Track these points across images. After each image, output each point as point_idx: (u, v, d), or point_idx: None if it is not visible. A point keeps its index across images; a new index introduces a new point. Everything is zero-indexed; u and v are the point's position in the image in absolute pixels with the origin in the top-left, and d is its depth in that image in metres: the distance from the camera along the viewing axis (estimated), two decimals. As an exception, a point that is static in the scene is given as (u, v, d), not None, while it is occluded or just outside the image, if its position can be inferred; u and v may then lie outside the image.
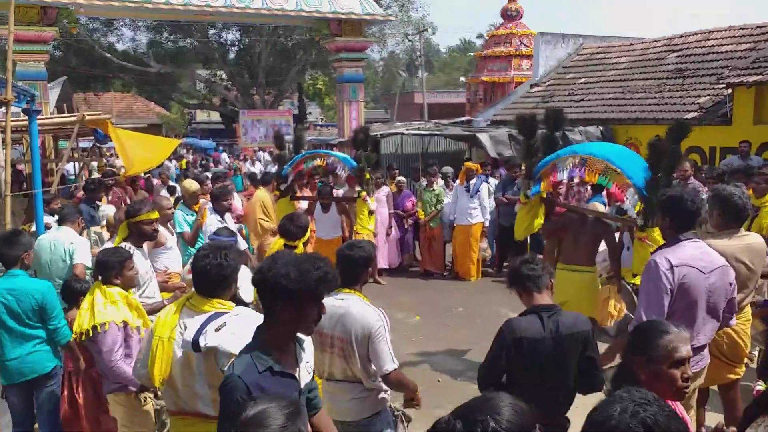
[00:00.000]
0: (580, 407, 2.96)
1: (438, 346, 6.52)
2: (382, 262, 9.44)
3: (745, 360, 4.03)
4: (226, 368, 2.57)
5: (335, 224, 8.12)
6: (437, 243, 9.62)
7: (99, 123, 8.97)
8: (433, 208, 9.44)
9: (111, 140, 9.81)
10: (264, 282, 2.18)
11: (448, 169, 10.26)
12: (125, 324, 3.52)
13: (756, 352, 4.86)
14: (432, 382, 5.54)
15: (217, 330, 2.66)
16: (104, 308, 3.47)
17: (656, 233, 4.37)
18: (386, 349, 3.03)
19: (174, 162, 18.98)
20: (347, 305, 3.10)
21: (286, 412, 1.68)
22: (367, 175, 7.22)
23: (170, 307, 2.92)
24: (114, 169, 11.95)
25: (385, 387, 3.17)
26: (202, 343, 2.63)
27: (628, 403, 1.52)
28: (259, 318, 2.91)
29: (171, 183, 11.82)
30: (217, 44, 33.04)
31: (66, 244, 5.20)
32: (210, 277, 2.79)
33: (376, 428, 3.17)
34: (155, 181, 11.63)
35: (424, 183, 9.76)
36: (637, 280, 4.63)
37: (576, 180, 6.07)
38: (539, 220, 5.68)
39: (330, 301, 3.14)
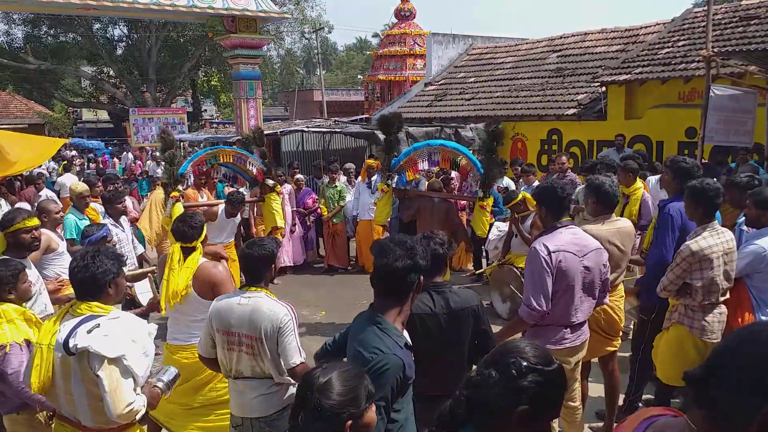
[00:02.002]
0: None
1: (344, 340, 6.63)
2: (287, 260, 9.45)
3: (621, 333, 4.45)
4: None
5: (234, 229, 7.56)
6: (341, 238, 9.75)
7: (-28, 124, 8.31)
8: (335, 205, 9.55)
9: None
10: (390, 268, 2.33)
11: (351, 166, 10.40)
12: (28, 342, 3.22)
13: (632, 326, 5.34)
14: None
15: (89, 332, 2.58)
16: (0, 329, 3.18)
17: (489, 201, 6.29)
18: (294, 343, 3.08)
19: (51, 164, 17.76)
20: (255, 302, 3.12)
21: None
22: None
23: (54, 315, 2.83)
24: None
25: (293, 381, 3.20)
26: (71, 344, 2.55)
27: None
28: (139, 323, 2.88)
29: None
30: (103, 39, 31.27)
31: None
32: (78, 280, 2.74)
33: (284, 422, 3.18)
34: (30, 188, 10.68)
35: (327, 180, 9.85)
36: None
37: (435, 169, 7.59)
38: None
39: (237, 300, 3.17)
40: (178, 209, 6.23)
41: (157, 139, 6.42)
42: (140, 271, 5.12)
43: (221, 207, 7.17)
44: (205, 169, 7.38)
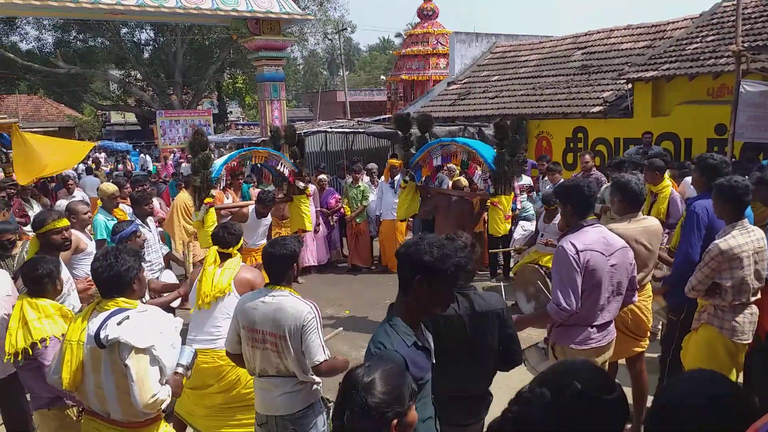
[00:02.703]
0: (501, 381, 3.19)
1: (367, 339, 6.61)
2: (311, 259, 9.51)
3: (648, 333, 4.38)
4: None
5: (266, 231, 7.53)
6: (364, 238, 9.77)
7: (4, 127, 8.54)
8: (359, 204, 9.58)
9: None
10: (406, 255, 2.28)
11: (373, 166, 10.42)
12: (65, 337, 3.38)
13: (660, 327, 5.26)
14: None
15: (119, 323, 2.65)
16: (40, 323, 3.28)
17: (504, 199, 6.11)
18: (318, 340, 3.10)
19: (80, 166, 18.04)
20: (279, 301, 3.14)
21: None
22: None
23: (83, 312, 2.89)
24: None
25: (317, 379, 3.23)
26: (102, 335, 2.62)
27: None
28: (166, 317, 2.94)
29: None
30: (130, 43, 31.82)
31: None
32: (103, 279, 2.80)
33: (309, 420, 3.22)
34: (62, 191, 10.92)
35: (350, 180, 9.88)
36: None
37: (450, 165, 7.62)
38: (416, 204, 6.86)
39: (261, 298, 3.20)
40: (213, 215, 6.22)
41: (187, 140, 6.15)
42: (171, 296, 5.11)
43: (251, 208, 7.11)
44: (237, 172, 7.25)
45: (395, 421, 1.67)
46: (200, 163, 6.27)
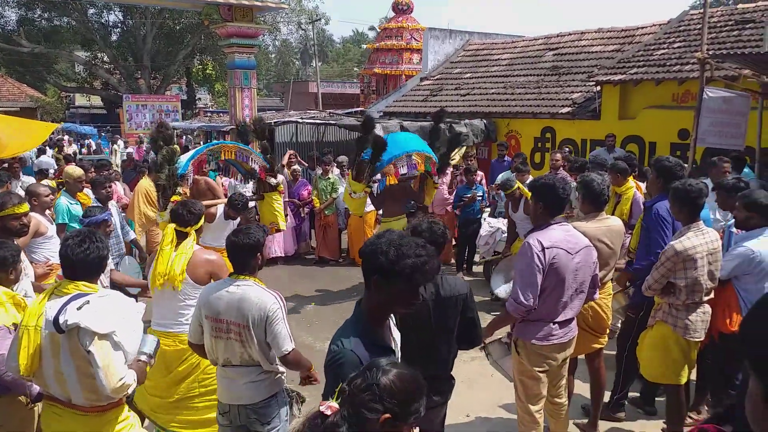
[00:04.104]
0: (462, 374, 3.25)
1: (333, 331, 6.60)
2: (278, 250, 9.45)
3: (608, 331, 4.49)
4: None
5: (228, 231, 7.16)
6: (332, 230, 9.75)
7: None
8: (328, 197, 9.55)
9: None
10: (364, 254, 2.22)
11: (344, 158, 10.40)
12: (16, 327, 3.15)
13: (619, 325, 5.38)
14: (327, 365, 5.68)
15: (79, 308, 2.61)
16: None
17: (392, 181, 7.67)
18: (284, 330, 3.10)
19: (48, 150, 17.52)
20: (243, 291, 3.13)
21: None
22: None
23: (39, 296, 2.84)
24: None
25: (281, 369, 3.24)
26: (62, 320, 2.57)
27: None
28: (128, 302, 2.90)
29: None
30: (98, 24, 31.03)
31: None
32: (76, 261, 2.76)
33: (272, 410, 3.22)
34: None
35: (320, 171, 9.84)
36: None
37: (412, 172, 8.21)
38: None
39: (226, 288, 3.18)
40: None
41: (151, 134, 5.82)
42: (136, 281, 5.05)
43: (220, 207, 6.64)
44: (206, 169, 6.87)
45: (388, 416, 1.63)
46: (165, 159, 5.87)
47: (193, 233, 4.02)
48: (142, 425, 3.64)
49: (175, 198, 5.85)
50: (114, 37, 32.65)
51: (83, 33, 30.19)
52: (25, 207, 4.23)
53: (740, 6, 11.25)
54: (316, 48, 36.63)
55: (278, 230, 7.37)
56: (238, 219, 6.51)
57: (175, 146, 6.24)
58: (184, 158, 6.35)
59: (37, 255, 4.93)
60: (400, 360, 2.36)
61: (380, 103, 18.01)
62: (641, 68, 10.73)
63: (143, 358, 2.90)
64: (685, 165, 5.25)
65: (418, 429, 1.80)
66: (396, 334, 2.47)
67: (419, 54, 21.57)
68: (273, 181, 6.96)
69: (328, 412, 1.65)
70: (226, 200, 6.64)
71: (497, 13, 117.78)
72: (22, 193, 6.60)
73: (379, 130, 11.88)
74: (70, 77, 35.21)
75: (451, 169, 9.60)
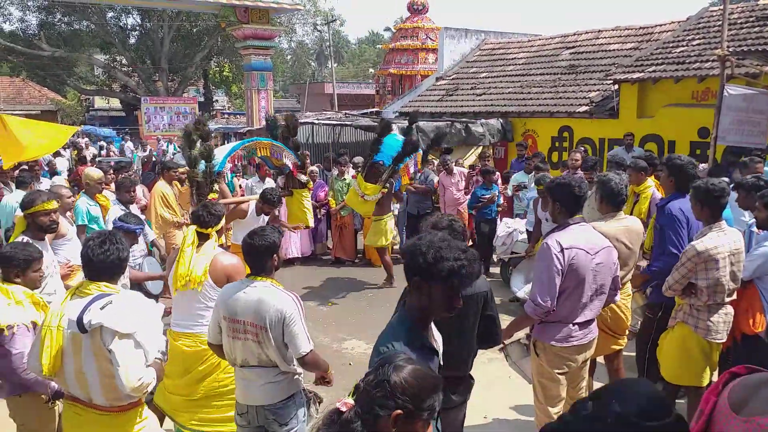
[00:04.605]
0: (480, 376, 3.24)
1: (350, 331, 6.68)
2: (295, 251, 9.48)
3: (627, 332, 4.44)
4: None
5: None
6: (348, 231, 9.76)
7: (-15, 109, 8.36)
8: (344, 197, 9.56)
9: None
10: (404, 254, 2.24)
11: (359, 159, 10.40)
12: (35, 325, 3.27)
13: (638, 325, 5.33)
14: (344, 366, 5.70)
15: (102, 308, 2.64)
16: (8, 309, 3.23)
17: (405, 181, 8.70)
18: (302, 331, 3.10)
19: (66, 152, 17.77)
20: (260, 292, 3.13)
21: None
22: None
23: (61, 297, 2.88)
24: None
25: (299, 370, 3.24)
26: (86, 320, 2.60)
27: None
28: (148, 302, 2.93)
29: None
30: (117, 28, 31.40)
31: None
32: (94, 261, 2.79)
33: (289, 411, 3.22)
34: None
35: (336, 172, 9.85)
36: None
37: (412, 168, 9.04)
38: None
39: (243, 289, 3.19)
40: None
41: (186, 128, 5.86)
42: (157, 274, 5.13)
43: (252, 203, 6.65)
44: (243, 164, 6.99)
45: (399, 412, 1.63)
46: (202, 155, 5.88)
47: (215, 234, 4.05)
48: (161, 425, 3.68)
49: (212, 195, 5.85)
50: (132, 40, 33.04)
51: (102, 36, 30.58)
52: (54, 204, 4.31)
53: (761, 2, 11.07)
54: (331, 49, 36.71)
55: (306, 227, 7.37)
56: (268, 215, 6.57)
57: (211, 144, 6.27)
58: (219, 155, 6.37)
59: (58, 256, 4.97)
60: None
61: (396, 104, 18.00)
62: (660, 66, 10.61)
63: (159, 356, 2.93)
64: (698, 163, 5.17)
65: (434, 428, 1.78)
66: (438, 336, 2.46)
67: (435, 54, 21.51)
68: (303, 177, 6.97)
69: (344, 409, 1.65)
70: (256, 197, 6.74)
71: (512, 12, 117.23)
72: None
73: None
74: (89, 80, 35.70)
75: (467, 170, 9.57)
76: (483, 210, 8.68)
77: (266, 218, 6.60)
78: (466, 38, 17.30)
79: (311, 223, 7.41)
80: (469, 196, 9.02)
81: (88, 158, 15.04)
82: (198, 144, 5.97)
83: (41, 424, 3.40)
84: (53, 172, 10.24)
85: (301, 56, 51.14)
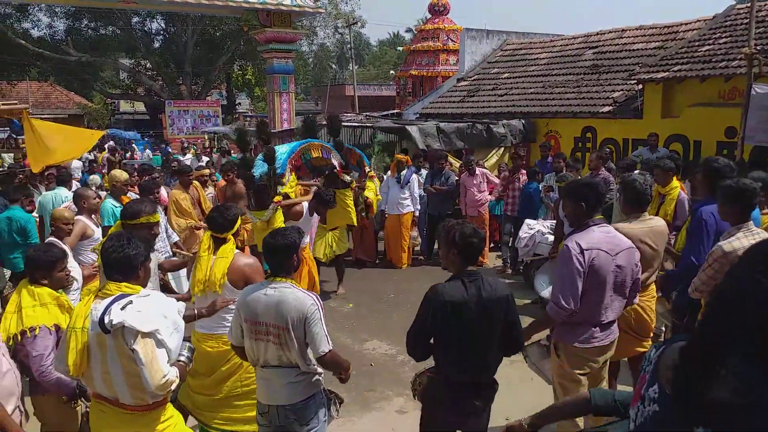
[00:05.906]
0: (501, 378, 3.21)
1: (370, 332, 6.68)
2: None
3: (651, 334, 4.37)
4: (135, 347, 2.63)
5: (314, 226, 7.19)
6: (369, 232, 9.77)
7: (14, 113, 8.58)
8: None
9: (29, 131, 9.36)
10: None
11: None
12: (57, 327, 3.31)
13: (664, 329, 5.25)
14: (365, 366, 5.70)
15: (122, 308, 2.67)
16: (32, 311, 3.28)
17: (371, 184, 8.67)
18: (322, 331, 3.11)
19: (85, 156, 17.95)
20: (281, 293, 3.14)
21: None
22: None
23: (85, 299, 2.91)
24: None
25: (319, 370, 3.25)
26: (107, 320, 2.63)
27: None
28: (169, 302, 2.96)
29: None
30: (141, 33, 31.91)
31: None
32: (113, 260, 2.83)
33: (310, 411, 3.23)
34: None
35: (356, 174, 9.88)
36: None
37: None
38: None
39: (263, 291, 3.20)
40: (280, 215, 5.75)
41: (237, 128, 5.90)
42: (178, 261, 5.21)
43: (305, 205, 6.61)
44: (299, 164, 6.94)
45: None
46: (266, 157, 5.87)
47: (231, 238, 4.08)
48: (185, 423, 3.73)
49: (277, 198, 5.84)
50: (156, 45, 33.52)
51: (127, 41, 31.09)
52: (157, 217, 4.21)
53: (790, -1, 10.85)
54: (352, 51, 36.80)
55: (352, 226, 7.39)
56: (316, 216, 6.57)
57: (274, 145, 6.34)
58: (281, 156, 6.41)
59: (83, 257, 5.09)
60: (445, 365, 2.31)
61: (416, 105, 17.99)
62: (685, 65, 10.45)
63: (182, 359, 2.96)
64: (735, 165, 5.08)
65: None
66: None
67: (456, 55, 21.47)
68: (347, 177, 6.99)
69: None
70: (309, 197, 6.74)
71: (533, 13, 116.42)
72: (69, 195, 6.85)
73: (415, 132, 11.97)
74: (115, 84, 36.31)
75: (504, 172, 9.53)
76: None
77: (315, 220, 6.57)
78: (487, 39, 17.23)
79: (356, 222, 7.39)
80: (493, 197, 9.01)
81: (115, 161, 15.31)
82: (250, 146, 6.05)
83: (62, 423, 3.45)
84: (91, 171, 10.48)
85: (322, 59, 51.39)
